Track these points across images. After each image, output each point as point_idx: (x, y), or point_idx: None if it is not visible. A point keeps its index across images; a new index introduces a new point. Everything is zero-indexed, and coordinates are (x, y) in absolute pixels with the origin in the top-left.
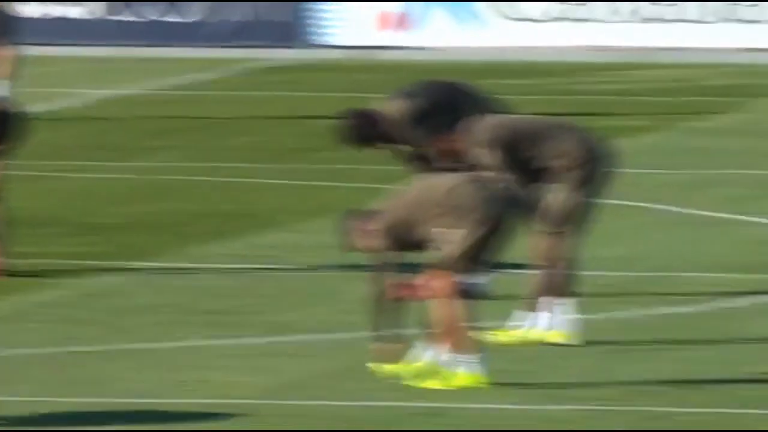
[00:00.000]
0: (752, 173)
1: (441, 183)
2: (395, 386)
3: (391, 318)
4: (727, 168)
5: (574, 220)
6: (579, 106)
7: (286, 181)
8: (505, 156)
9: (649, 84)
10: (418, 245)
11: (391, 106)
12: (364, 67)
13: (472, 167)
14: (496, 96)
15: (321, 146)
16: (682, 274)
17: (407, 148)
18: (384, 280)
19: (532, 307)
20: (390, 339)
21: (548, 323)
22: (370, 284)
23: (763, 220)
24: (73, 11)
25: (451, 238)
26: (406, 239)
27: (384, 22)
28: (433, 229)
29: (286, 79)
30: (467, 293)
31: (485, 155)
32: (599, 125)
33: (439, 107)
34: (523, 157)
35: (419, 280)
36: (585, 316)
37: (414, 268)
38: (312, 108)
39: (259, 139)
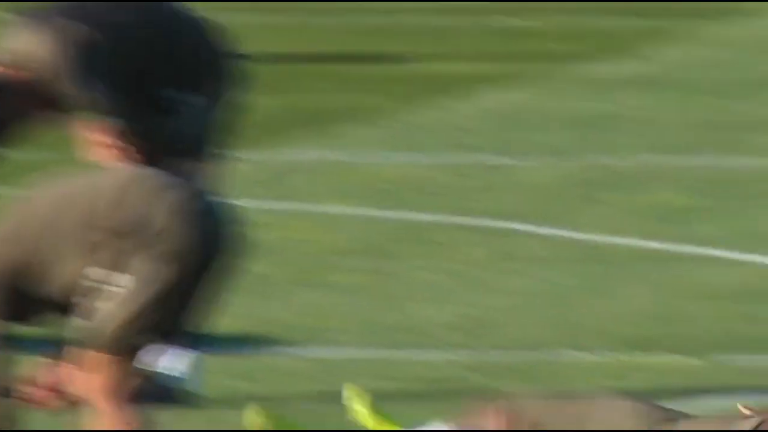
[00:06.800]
0: None
1: (102, 184)
2: None
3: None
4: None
5: None
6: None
7: None
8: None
9: None
10: (51, 306)
11: (27, 45)
12: None
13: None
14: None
15: None
16: None
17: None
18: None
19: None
20: None
21: None
22: None
23: None
24: None
25: (116, 291)
26: (25, 296)
27: None
28: (85, 273)
29: None
30: (159, 393)
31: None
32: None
33: (130, 45)
34: None
35: (60, 369)
36: None
37: (48, 345)
38: None
39: None
